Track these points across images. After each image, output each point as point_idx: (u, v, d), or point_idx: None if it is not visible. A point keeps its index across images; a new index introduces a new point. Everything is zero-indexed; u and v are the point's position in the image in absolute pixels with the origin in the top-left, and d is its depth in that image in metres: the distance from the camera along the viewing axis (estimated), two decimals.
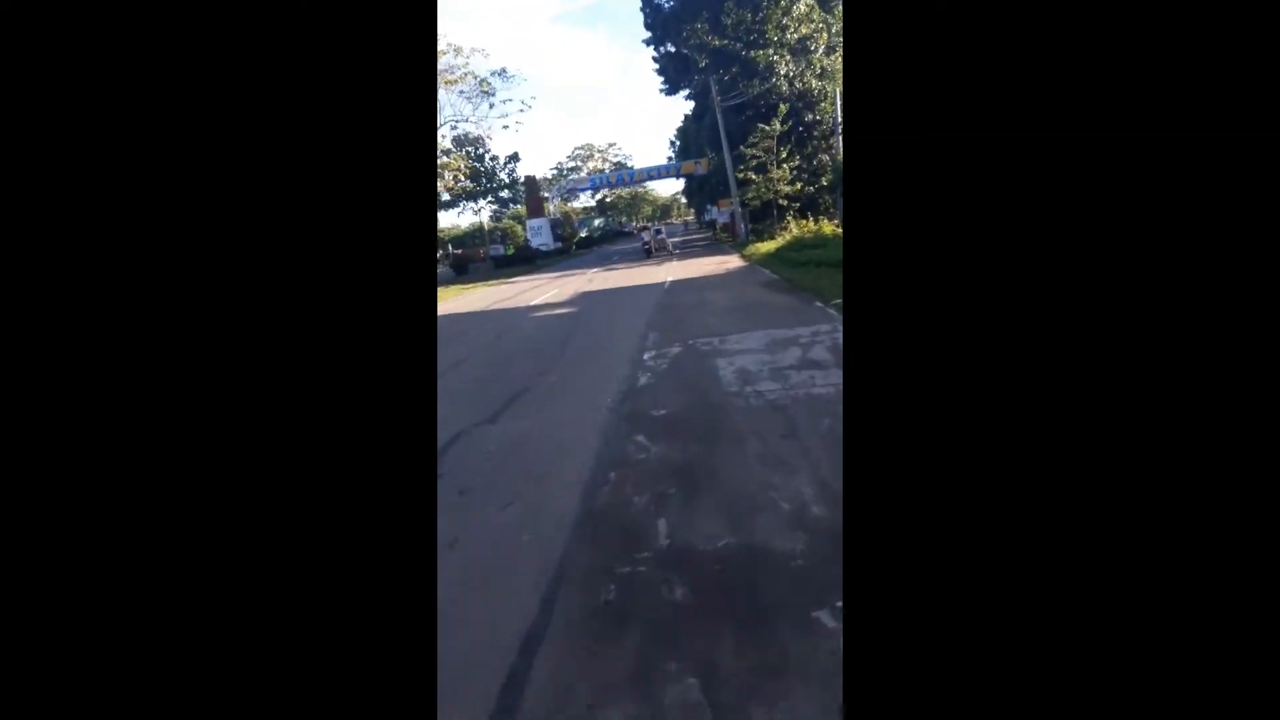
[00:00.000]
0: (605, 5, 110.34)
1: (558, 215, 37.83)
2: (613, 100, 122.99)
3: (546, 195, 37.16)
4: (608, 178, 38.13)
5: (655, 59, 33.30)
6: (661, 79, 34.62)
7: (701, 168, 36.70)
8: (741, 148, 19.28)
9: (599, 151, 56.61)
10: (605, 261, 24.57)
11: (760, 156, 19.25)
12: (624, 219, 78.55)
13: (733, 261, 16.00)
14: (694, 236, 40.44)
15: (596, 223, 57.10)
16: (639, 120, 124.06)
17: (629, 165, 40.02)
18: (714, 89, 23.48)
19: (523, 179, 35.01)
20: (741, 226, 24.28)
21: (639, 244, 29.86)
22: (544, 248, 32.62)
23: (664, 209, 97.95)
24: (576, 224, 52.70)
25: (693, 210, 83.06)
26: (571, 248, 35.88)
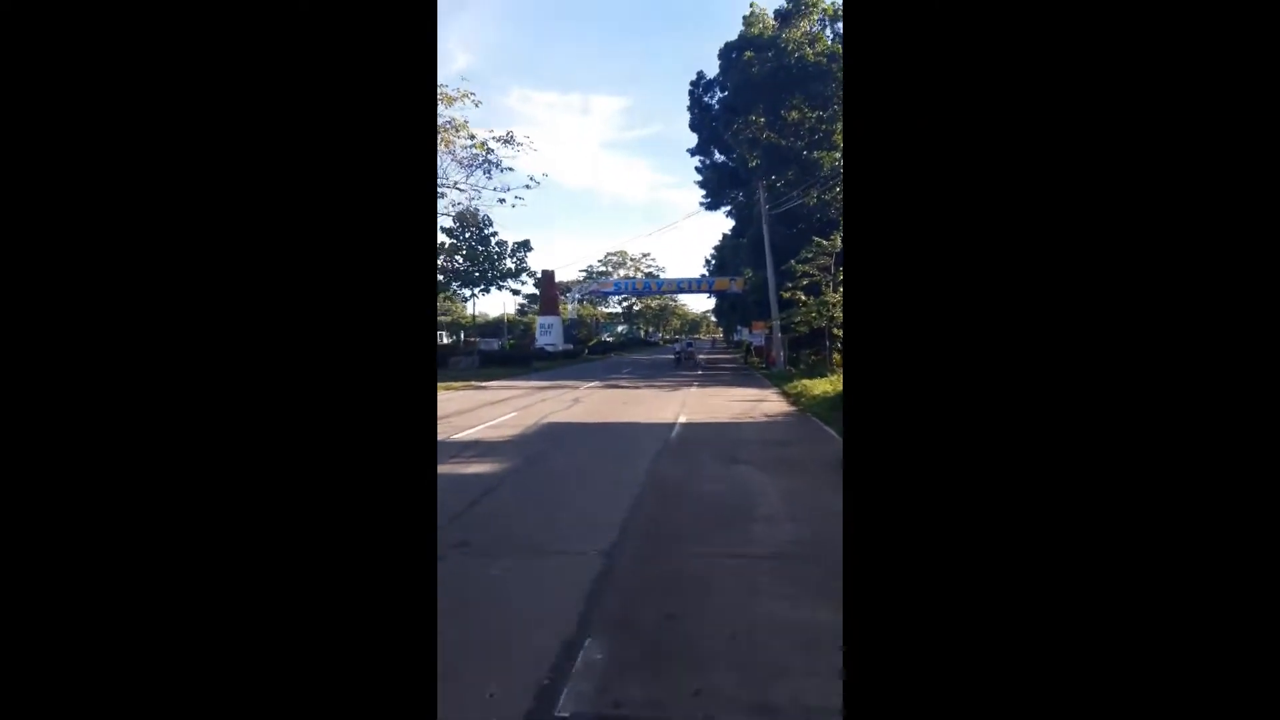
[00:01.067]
0: (652, 140, 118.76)
1: (575, 316, 34.81)
2: (651, 220, 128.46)
3: (564, 296, 34.41)
4: (634, 284, 35.41)
5: (698, 168, 31.71)
6: (703, 192, 32.87)
7: (737, 286, 33.88)
8: (793, 262, 15.71)
9: (632, 260, 55.68)
10: (613, 373, 20.56)
11: (814, 275, 15.58)
12: (650, 329, 76.64)
13: (771, 400, 11.73)
14: (721, 356, 36.67)
15: (620, 329, 54.55)
16: (676, 243, 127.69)
17: (660, 275, 37.81)
18: (762, 194, 20.61)
19: (539, 273, 32.36)
20: (780, 353, 20.27)
21: (665, 354, 29.52)
22: (550, 348, 29.17)
23: (693, 324, 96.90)
24: (599, 328, 50.02)
25: (721, 330, 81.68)
26: (584, 351, 32.43)
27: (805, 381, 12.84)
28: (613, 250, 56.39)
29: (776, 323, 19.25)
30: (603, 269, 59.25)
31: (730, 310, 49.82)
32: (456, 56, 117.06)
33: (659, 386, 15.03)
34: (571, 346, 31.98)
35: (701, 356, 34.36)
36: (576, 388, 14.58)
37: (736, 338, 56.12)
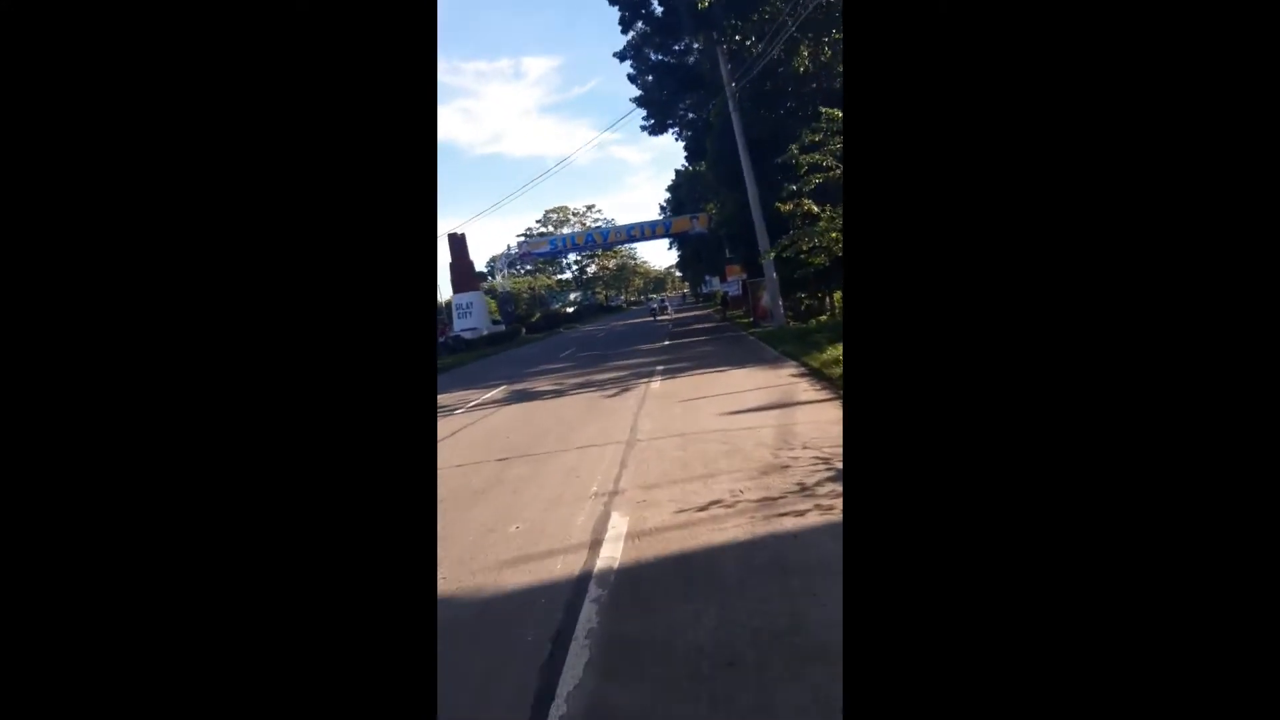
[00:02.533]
0: (592, 97, 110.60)
1: (505, 289, 28.29)
2: (601, 181, 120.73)
3: (489, 269, 27.78)
4: (573, 239, 28.85)
5: (632, 76, 24.88)
6: (645, 113, 26.28)
7: (699, 224, 27.62)
8: (792, 149, 9.55)
9: (575, 215, 48.82)
10: (545, 360, 14.47)
11: (828, 168, 9.43)
12: (610, 293, 70.18)
13: (810, 395, 5.77)
14: (690, 313, 30.64)
15: (572, 296, 47.81)
16: (631, 205, 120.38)
17: (605, 225, 31.31)
18: (723, 59, 14.24)
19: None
20: (775, 302, 14.36)
21: (630, 318, 26.67)
22: (470, 334, 22.76)
23: (657, 283, 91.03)
24: (547, 299, 43.44)
25: (687, 284, 75.64)
26: (520, 331, 26.11)
27: (835, 348, 7.01)
28: (552, 207, 49.40)
29: (769, 260, 13.26)
30: (542, 230, 52.29)
31: (694, 259, 43.57)
32: None
33: (602, 381, 9.02)
34: (504, 327, 25.70)
35: (665, 318, 28.38)
36: (446, 415, 8.47)
37: (705, 289, 50.27)
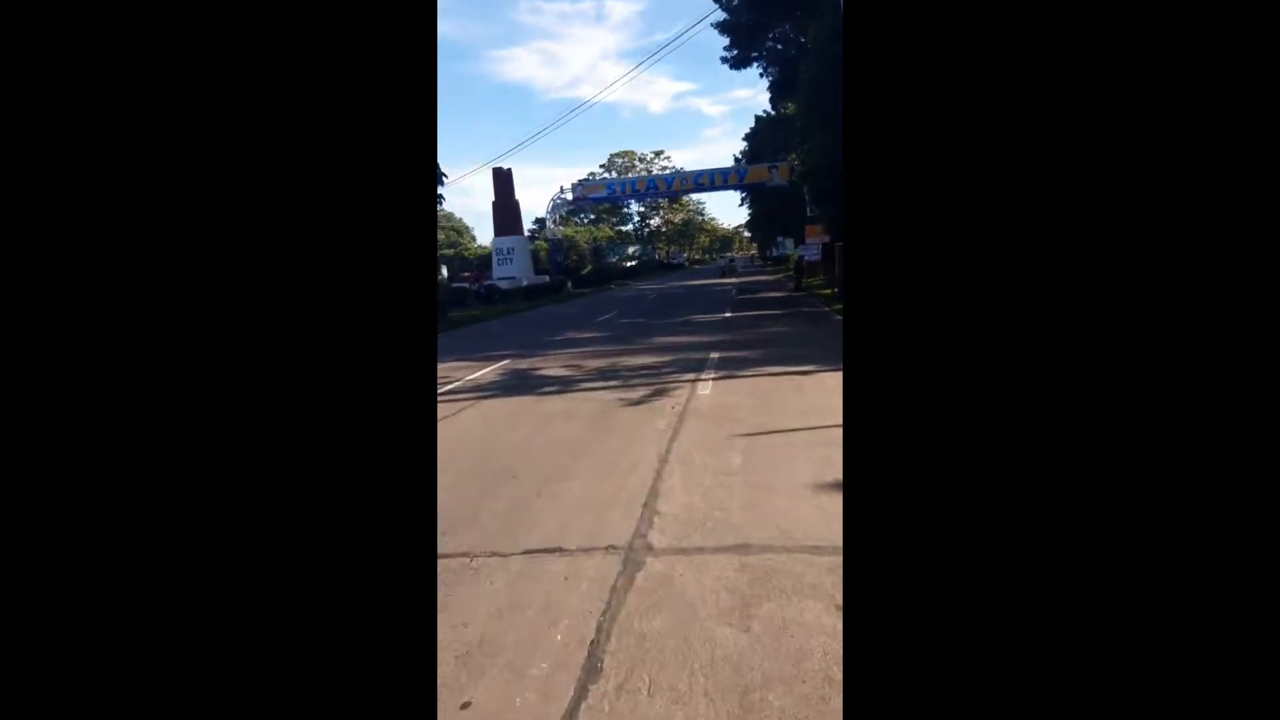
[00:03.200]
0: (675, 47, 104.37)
1: (556, 236, 25.85)
2: (675, 133, 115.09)
3: (546, 215, 25.29)
4: (634, 184, 25.84)
5: (717, 27, 21.33)
6: (727, 40, 22.54)
7: (779, 176, 23.99)
8: None
9: (642, 161, 45.32)
10: (580, 323, 12.09)
11: None
12: (671, 249, 66.73)
13: None
14: (757, 277, 27.29)
15: (631, 250, 44.92)
16: (702, 154, 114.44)
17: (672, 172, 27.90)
18: None
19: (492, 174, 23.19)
20: None
21: (689, 280, 25.07)
22: (508, 283, 20.57)
23: (724, 241, 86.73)
24: (604, 251, 40.84)
25: (756, 245, 70.91)
26: (566, 284, 23.80)
27: None
28: (618, 151, 46.12)
29: None
30: (606, 176, 49.20)
31: (767, 217, 39.55)
32: None
33: (631, 371, 6.52)
34: (548, 278, 23.43)
35: (731, 280, 25.23)
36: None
37: (776, 252, 46.13)
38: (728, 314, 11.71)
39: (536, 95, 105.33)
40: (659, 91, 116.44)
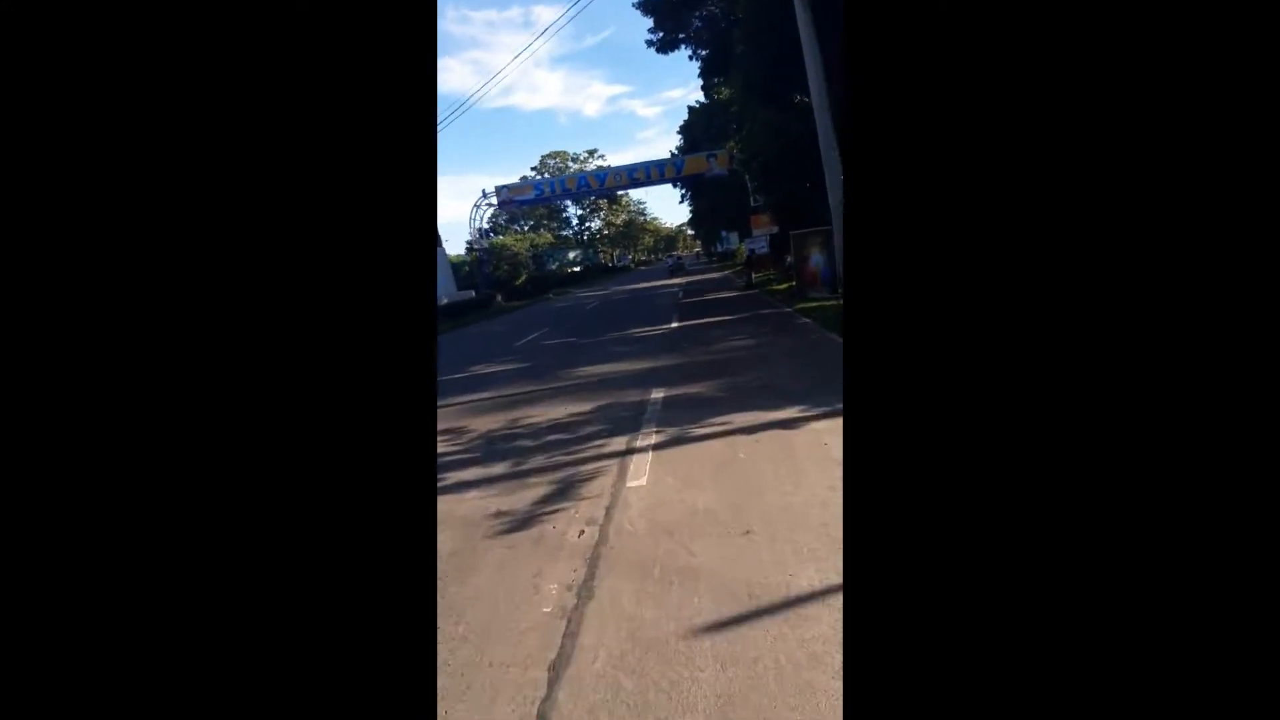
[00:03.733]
0: (605, 47, 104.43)
1: (482, 246, 23.39)
2: (612, 136, 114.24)
3: (484, 225, 22.78)
4: (564, 184, 23.73)
5: (638, 7, 19.51)
6: (651, 22, 20.76)
7: (719, 164, 22.41)
8: None
9: (575, 162, 43.05)
10: (493, 352, 9.89)
11: None
12: (616, 252, 64.91)
13: None
14: (706, 276, 25.51)
15: (571, 255, 42.61)
16: (638, 155, 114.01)
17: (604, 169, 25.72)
18: None
19: None
20: (837, 264, 9.50)
21: (632, 283, 23.74)
22: None
23: (668, 240, 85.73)
24: (544, 258, 38.49)
25: (700, 243, 69.94)
26: (494, 299, 21.29)
27: None
28: (550, 152, 43.90)
29: (836, 196, 8.35)
30: (537, 178, 46.72)
31: (709, 213, 38.18)
32: None
33: (534, 434, 4.46)
34: (473, 294, 20.91)
35: (678, 280, 23.48)
36: None
37: (721, 248, 44.89)
38: (674, 324, 9.79)
39: (472, 106, 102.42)
40: (593, 95, 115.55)
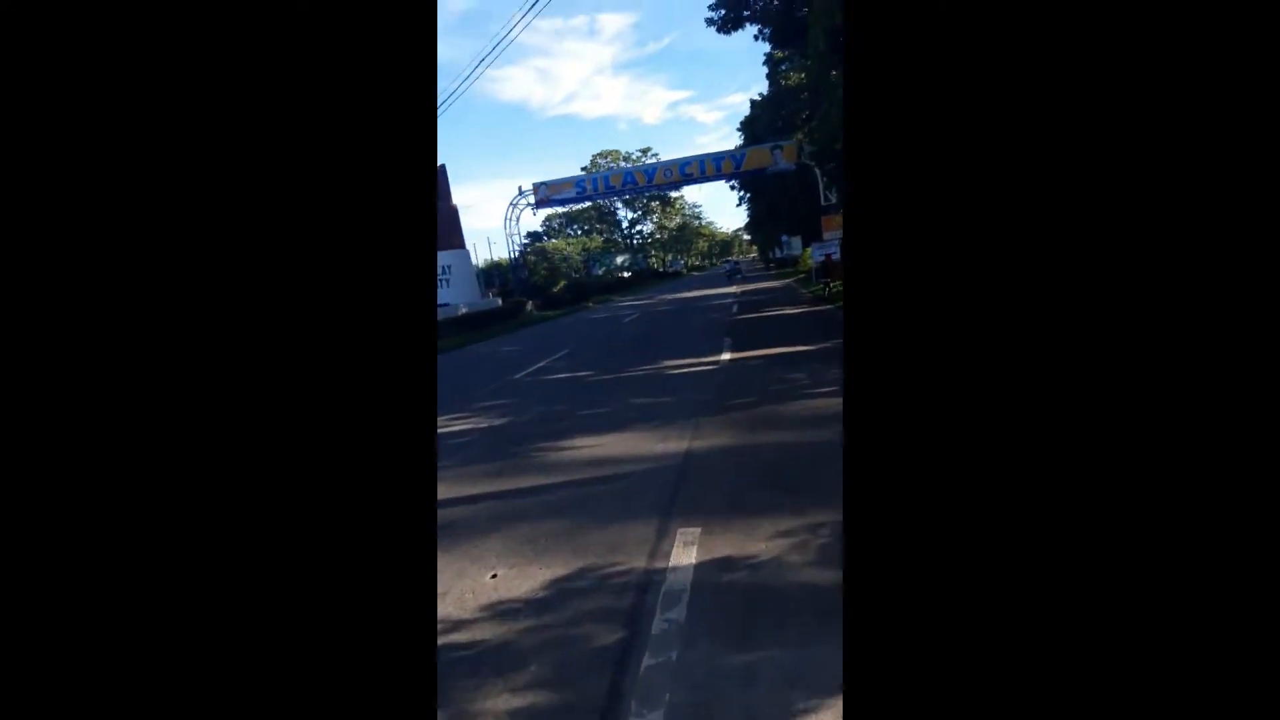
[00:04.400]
0: (667, 54, 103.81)
1: (520, 248, 21.38)
2: (672, 142, 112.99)
3: (543, 230, 20.91)
4: (608, 180, 21.41)
5: None
6: (719, 13, 18.21)
7: (783, 157, 19.60)
8: None
9: (626, 160, 40.71)
10: (478, 384, 7.52)
11: None
12: (668, 257, 62.47)
13: None
14: (761, 285, 22.44)
15: (620, 260, 40.38)
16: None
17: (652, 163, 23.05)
18: None
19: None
20: None
21: (678, 292, 21.55)
22: (443, 311, 15.97)
23: (723, 245, 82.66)
24: (590, 262, 36.51)
25: (756, 248, 66.48)
26: (526, 307, 19.14)
27: None
28: (600, 152, 41.94)
29: None
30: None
31: (768, 216, 35.15)
32: None
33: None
34: (499, 302, 18.77)
35: (733, 289, 20.76)
36: None
37: (779, 254, 41.57)
38: (725, 355, 7.17)
39: (533, 113, 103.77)
40: (654, 101, 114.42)
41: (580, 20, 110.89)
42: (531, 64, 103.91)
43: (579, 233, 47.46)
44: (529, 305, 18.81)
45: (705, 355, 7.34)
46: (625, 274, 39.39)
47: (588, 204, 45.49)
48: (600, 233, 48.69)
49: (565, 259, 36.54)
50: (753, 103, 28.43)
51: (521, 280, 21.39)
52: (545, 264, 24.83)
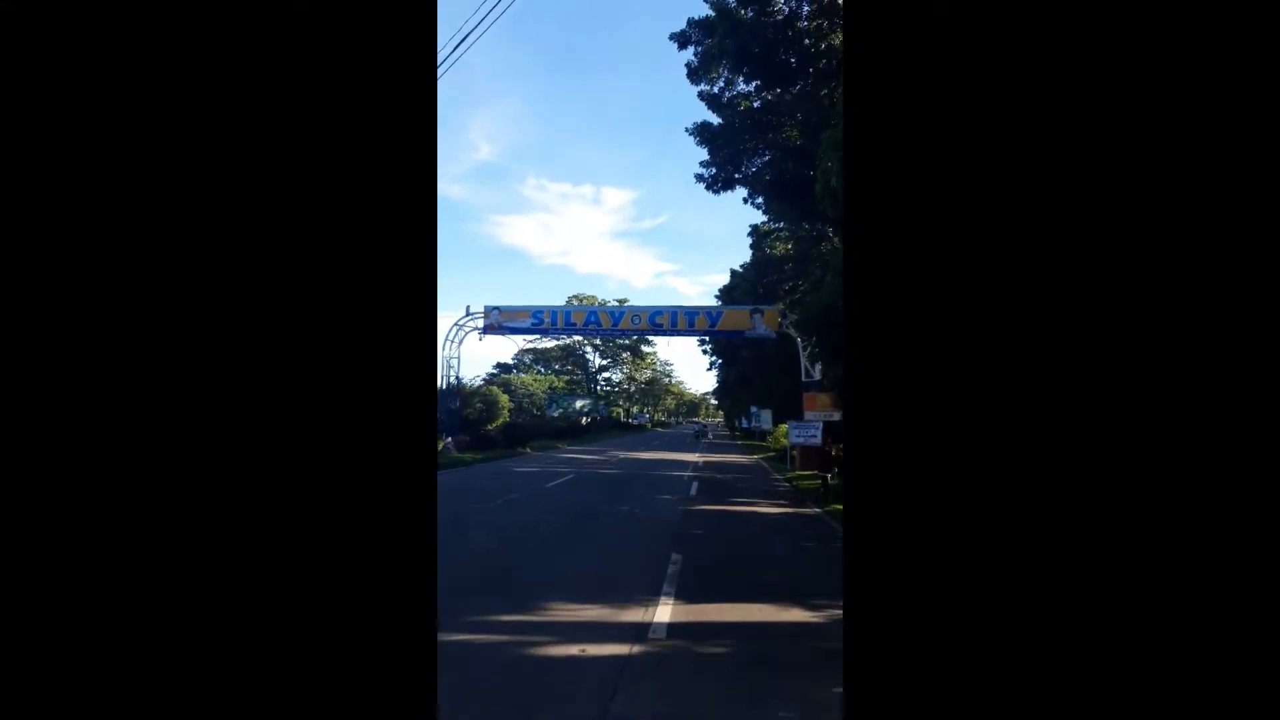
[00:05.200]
0: (660, 230, 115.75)
1: (449, 379, 18.43)
2: (655, 303, 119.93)
3: (513, 362, 18.28)
4: (569, 317, 19.34)
5: (691, 133, 16.92)
6: (704, 157, 17.80)
7: (762, 323, 17.96)
8: None
9: (602, 307, 40.08)
10: None
11: None
12: (634, 409, 60.39)
13: None
14: (728, 458, 19.27)
15: (579, 404, 37.59)
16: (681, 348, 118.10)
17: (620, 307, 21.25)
18: None
19: None
20: None
21: (659, 446, 20.85)
22: None
23: (690, 406, 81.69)
24: (551, 403, 33.64)
25: (722, 414, 65.15)
26: (441, 446, 15.74)
27: None
28: (576, 295, 41.35)
29: None
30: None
31: (739, 385, 33.69)
32: (480, 147, 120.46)
33: None
34: None
35: (693, 459, 17.69)
36: None
37: (747, 424, 39.53)
38: (657, 615, 3.77)
39: (531, 259, 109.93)
40: (642, 268, 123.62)
41: (587, 189, 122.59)
42: (537, 217, 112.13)
43: (547, 371, 45.30)
44: (445, 443, 15.37)
45: (623, 603, 3.95)
46: (584, 419, 36.45)
47: (556, 343, 43.96)
48: (568, 374, 46.63)
49: (529, 395, 33.67)
50: (733, 272, 28.17)
51: (450, 412, 18.13)
52: (476, 397, 21.62)
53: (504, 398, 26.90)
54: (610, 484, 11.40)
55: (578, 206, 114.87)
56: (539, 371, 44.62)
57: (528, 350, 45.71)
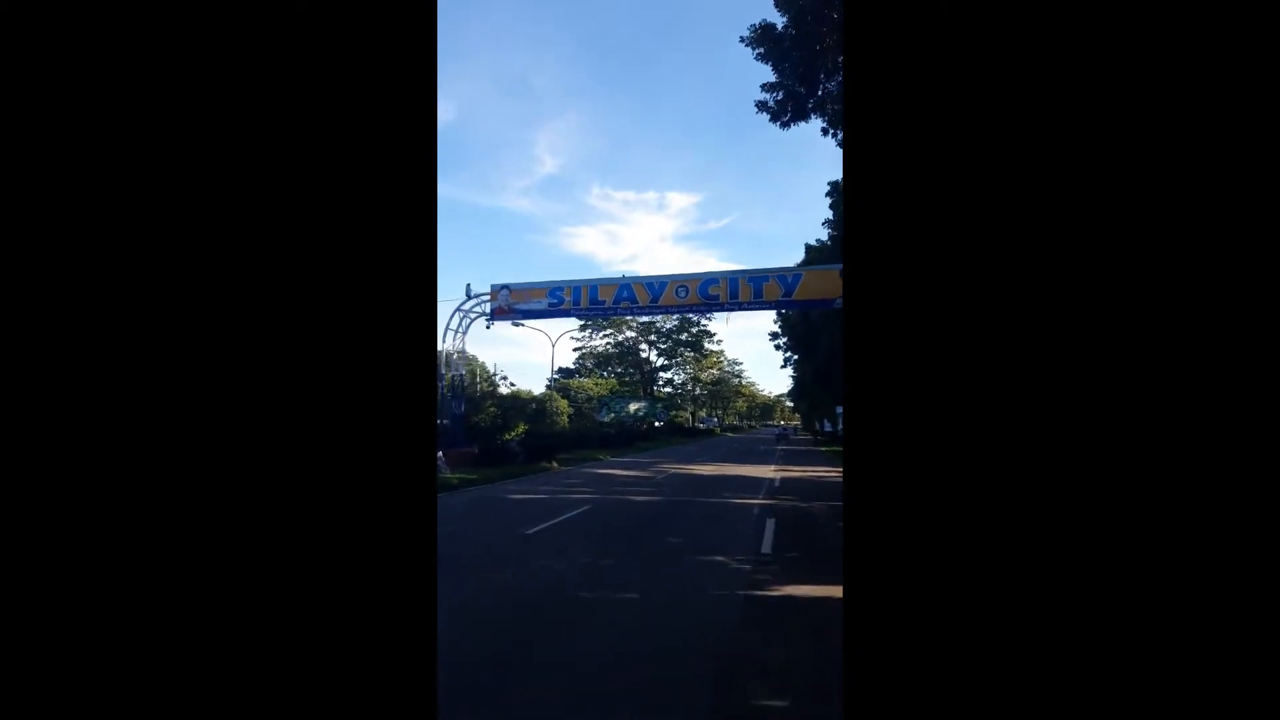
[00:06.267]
0: (724, 233, 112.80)
1: (457, 375, 14.86)
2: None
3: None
4: (594, 293, 15.31)
5: (753, 42, 12.61)
6: (771, 79, 13.41)
7: None
8: None
9: (637, 278, 36.11)
10: None
11: None
12: (700, 412, 55.62)
13: None
14: (807, 471, 14.13)
15: (633, 408, 33.45)
16: (735, 328, 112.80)
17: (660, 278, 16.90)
18: None
19: None
20: None
21: (717, 455, 18.25)
22: None
23: (764, 409, 75.77)
24: (600, 408, 29.85)
25: (799, 416, 58.97)
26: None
27: None
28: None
29: None
30: (607, 333, 40.01)
31: (817, 383, 28.41)
32: (544, 160, 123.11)
33: None
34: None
35: (769, 474, 13.17)
36: None
37: (830, 428, 34.07)
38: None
39: (598, 267, 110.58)
40: (709, 268, 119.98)
41: (651, 195, 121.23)
42: (603, 227, 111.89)
43: (608, 375, 41.75)
44: (438, 458, 11.73)
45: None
46: (645, 424, 32.41)
47: (605, 340, 40.22)
48: (628, 376, 42.80)
49: (589, 400, 30.20)
50: (809, 247, 23.23)
51: (456, 418, 14.55)
52: (473, 396, 17.82)
53: (563, 403, 23.46)
54: (634, 524, 7.22)
55: (642, 213, 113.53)
56: (601, 375, 41.14)
57: (584, 353, 42.42)
